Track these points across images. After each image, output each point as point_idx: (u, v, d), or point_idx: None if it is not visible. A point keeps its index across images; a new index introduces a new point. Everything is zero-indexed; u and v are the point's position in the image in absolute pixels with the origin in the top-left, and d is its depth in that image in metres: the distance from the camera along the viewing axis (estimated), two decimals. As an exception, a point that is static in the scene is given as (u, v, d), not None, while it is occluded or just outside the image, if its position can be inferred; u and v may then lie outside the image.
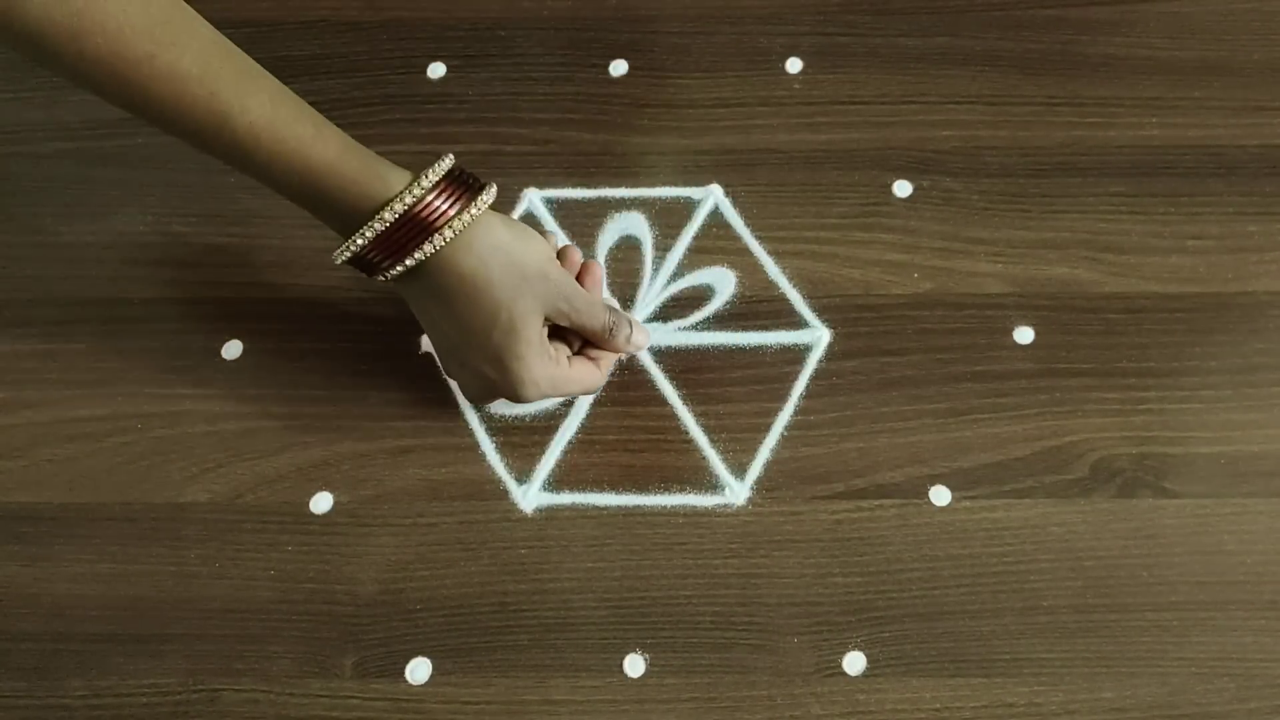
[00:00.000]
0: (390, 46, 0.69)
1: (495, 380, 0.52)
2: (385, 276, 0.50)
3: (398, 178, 0.49)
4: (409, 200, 0.48)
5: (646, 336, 0.57)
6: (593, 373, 0.55)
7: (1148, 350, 0.57)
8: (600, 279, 0.55)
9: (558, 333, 0.54)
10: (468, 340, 0.51)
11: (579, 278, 0.54)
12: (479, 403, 0.57)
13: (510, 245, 0.50)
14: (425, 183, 0.49)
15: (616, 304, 0.59)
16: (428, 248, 0.49)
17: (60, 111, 0.67)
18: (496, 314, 0.50)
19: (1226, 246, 0.60)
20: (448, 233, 0.49)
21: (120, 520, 0.55)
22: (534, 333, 0.51)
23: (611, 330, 0.54)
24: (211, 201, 0.64)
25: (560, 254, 0.54)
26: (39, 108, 0.67)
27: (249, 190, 0.63)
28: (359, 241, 0.49)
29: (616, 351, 0.56)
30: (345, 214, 0.49)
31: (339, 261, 0.50)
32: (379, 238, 0.49)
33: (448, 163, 0.50)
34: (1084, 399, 0.56)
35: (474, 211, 0.49)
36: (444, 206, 0.49)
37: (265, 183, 0.49)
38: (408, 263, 0.49)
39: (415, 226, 0.49)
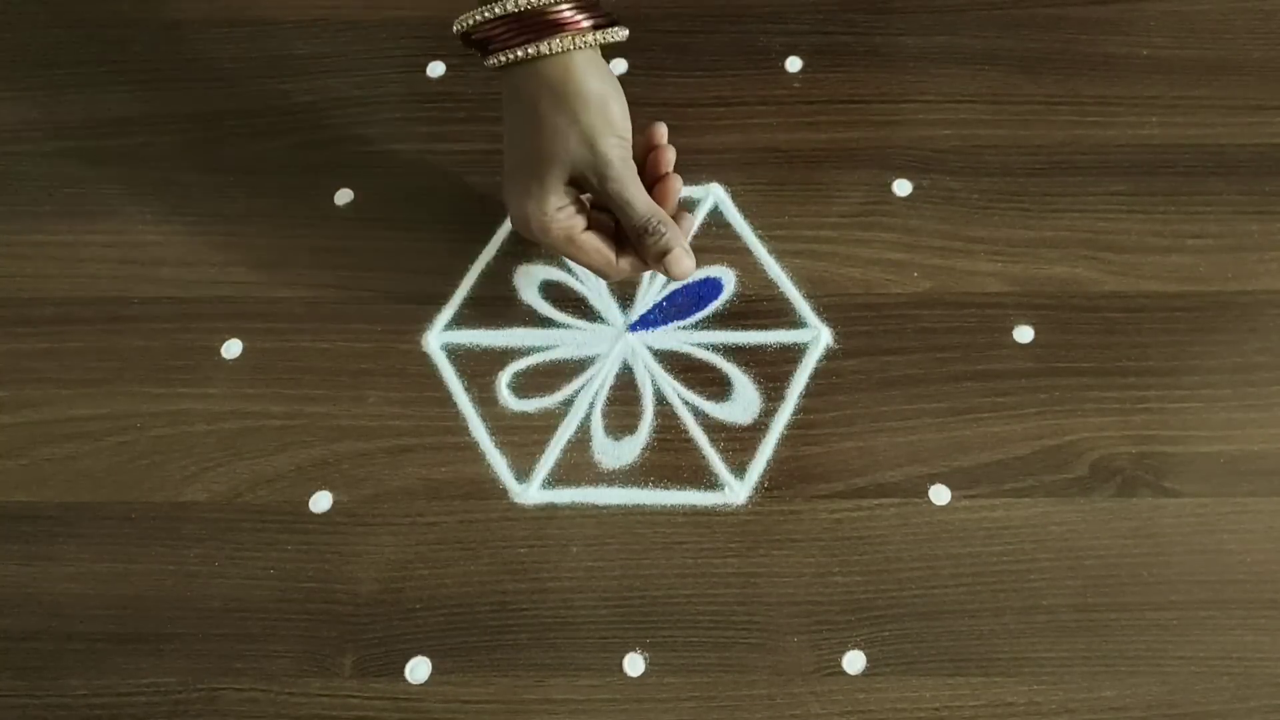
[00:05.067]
0: (390, 45, 0.69)
1: (508, 195, 0.55)
2: (498, 60, 0.52)
3: None
4: None
5: (686, 267, 0.54)
6: (598, 254, 0.55)
7: (1147, 349, 0.57)
8: (672, 193, 0.55)
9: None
10: (510, 147, 0.54)
11: (655, 184, 0.55)
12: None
13: (581, 95, 0.51)
14: None
15: (685, 224, 0.55)
16: (544, 46, 0.50)
17: (60, 110, 0.67)
18: (532, 143, 0.52)
19: (1226, 245, 0.60)
20: (566, 42, 0.51)
21: (120, 519, 0.55)
22: (551, 179, 0.52)
23: (644, 236, 0.53)
24: (211, 201, 0.64)
25: (652, 152, 0.55)
26: (39, 106, 0.67)
27: (248, 189, 0.64)
28: (489, 13, 0.51)
29: (646, 262, 0.54)
30: None
31: (459, 29, 0.52)
32: (509, 17, 0.51)
33: None
34: (1084, 398, 0.56)
35: (576, 42, 0.51)
36: (576, 16, 0.51)
37: None
38: (521, 53, 0.51)
39: (544, 23, 0.51)
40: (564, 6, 0.51)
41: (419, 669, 0.52)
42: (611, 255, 0.55)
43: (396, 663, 0.52)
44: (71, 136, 0.66)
